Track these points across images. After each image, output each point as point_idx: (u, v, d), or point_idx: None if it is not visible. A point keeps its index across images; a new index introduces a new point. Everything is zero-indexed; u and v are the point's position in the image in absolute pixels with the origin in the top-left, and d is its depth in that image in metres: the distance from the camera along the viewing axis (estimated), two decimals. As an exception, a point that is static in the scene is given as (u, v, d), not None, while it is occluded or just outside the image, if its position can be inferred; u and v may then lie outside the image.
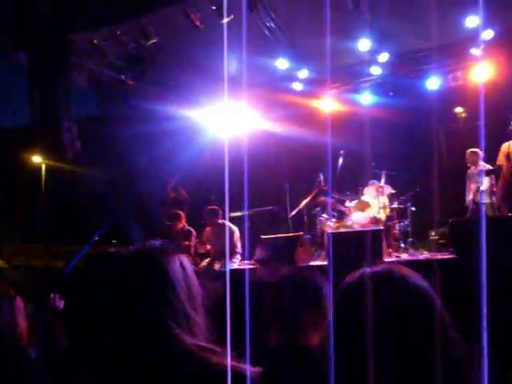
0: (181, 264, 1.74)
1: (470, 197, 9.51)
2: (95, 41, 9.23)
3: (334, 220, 9.72)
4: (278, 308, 2.33)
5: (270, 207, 11.22)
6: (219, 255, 9.03)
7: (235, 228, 9.25)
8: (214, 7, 8.24)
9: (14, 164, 12.23)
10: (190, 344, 1.62)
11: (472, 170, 9.60)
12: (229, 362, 1.55)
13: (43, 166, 12.23)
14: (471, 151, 9.55)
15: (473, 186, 9.50)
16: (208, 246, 9.38)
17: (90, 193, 11.34)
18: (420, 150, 10.72)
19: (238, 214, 10.14)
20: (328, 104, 11.30)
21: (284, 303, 2.33)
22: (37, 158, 12.19)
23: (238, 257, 9.25)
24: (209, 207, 9.65)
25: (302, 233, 8.90)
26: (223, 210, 9.39)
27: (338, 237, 8.03)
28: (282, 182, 11.44)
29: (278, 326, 2.31)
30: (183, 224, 9.74)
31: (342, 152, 9.79)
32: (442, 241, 9.29)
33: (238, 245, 9.26)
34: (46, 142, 9.47)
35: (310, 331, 2.19)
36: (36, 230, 11.51)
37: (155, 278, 1.68)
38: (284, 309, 2.31)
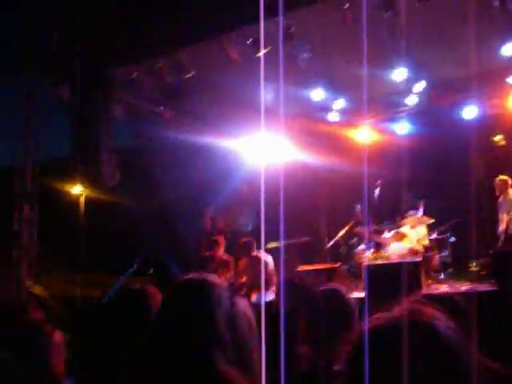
0: (229, 298, 1.76)
1: (501, 227, 9.28)
2: (134, 74, 9.41)
3: (371, 251, 9.71)
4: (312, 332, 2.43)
5: (307, 238, 11.14)
6: (255, 287, 9.01)
7: (270, 260, 9.21)
8: (250, 40, 8.33)
9: (55, 194, 12.47)
10: (229, 375, 1.62)
11: (501, 199, 9.40)
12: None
13: (82, 197, 12.46)
14: (500, 179, 9.40)
15: (503, 216, 9.28)
16: (243, 278, 9.42)
17: (128, 223, 11.59)
18: (458, 179, 10.51)
19: (274, 244, 9.89)
20: (364, 134, 11.30)
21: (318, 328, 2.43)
22: (77, 189, 12.42)
23: (274, 288, 9.01)
24: (243, 239, 9.66)
25: (339, 263, 8.96)
26: (258, 242, 9.34)
27: (374, 268, 7.98)
28: (319, 213, 11.49)
29: (312, 350, 2.36)
30: (222, 252, 9.77)
31: (378, 182, 9.74)
32: (483, 272, 9.12)
33: (274, 277, 9.10)
34: (85, 173, 9.64)
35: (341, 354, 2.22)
36: (75, 259, 11.63)
37: (202, 306, 1.70)
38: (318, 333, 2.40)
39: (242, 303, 1.79)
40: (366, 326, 1.24)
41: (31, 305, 3.05)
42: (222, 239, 9.91)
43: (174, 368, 1.62)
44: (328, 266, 9.02)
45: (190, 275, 1.84)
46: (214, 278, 1.83)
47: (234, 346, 1.67)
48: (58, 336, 2.78)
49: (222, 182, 11.38)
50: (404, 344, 1.11)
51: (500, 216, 9.35)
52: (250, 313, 1.79)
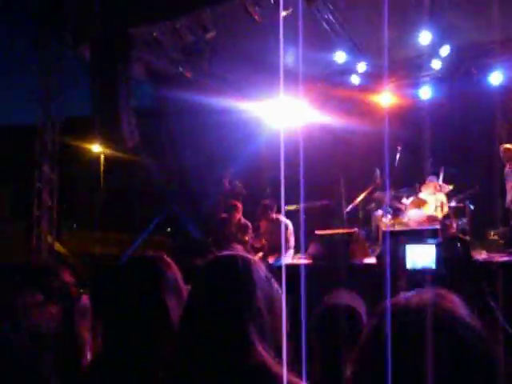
0: (266, 276, 1.76)
1: (509, 197, 9.08)
2: (155, 34, 9.32)
3: (389, 217, 9.62)
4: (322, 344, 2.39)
5: (325, 201, 11.17)
6: (273, 250, 9.06)
7: (289, 222, 9.23)
8: (273, 1, 8.19)
9: (75, 153, 12.57)
10: (265, 357, 1.60)
11: (507, 168, 9.18)
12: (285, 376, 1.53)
13: (102, 156, 12.56)
14: (505, 148, 9.09)
15: (510, 186, 9.07)
16: (263, 241, 9.42)
17: (147, 184, 11.70)
18: (481, 146, 10.47)
19: (293, 207, 10.12)
20: (386, 98, 11.13)
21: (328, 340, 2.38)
22: (96, 148, 12.50)
23: (291, 251, 9.24)
24: (262, 202, 9.68)
25: (356, 229, 8.85)
26: (278, 204, 9.40)
27: (393, 234, 7.94)
28: (338, 177, 11.47)
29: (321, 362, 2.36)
30: (240, 216, 9.76)
31: (399, 148, 9.65)
32: (501, 241, 9.05)
33: (291, 239, 9.24)
34: (105, 133, 9.58)
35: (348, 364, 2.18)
36: (94, 217, 11.78)
37: (238, 283, 1.69)
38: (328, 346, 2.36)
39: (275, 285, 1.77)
40: (388, 304, 1.22)
41: (61, 267, 3.01)
42: (239, 203, 9.93)
43: (210, 351, 1.61)
44: (345, 230, 8.90)
45: (224, 253, 1.82)
46: (248, 255, 1.82)
47: (271, 328, 1.66)
48: (86, 300, 2.79)
49: (242, 145, 11.35)
50: (427, 331, 1.07)
51: (508, 186, 9.12)
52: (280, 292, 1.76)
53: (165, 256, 2.21)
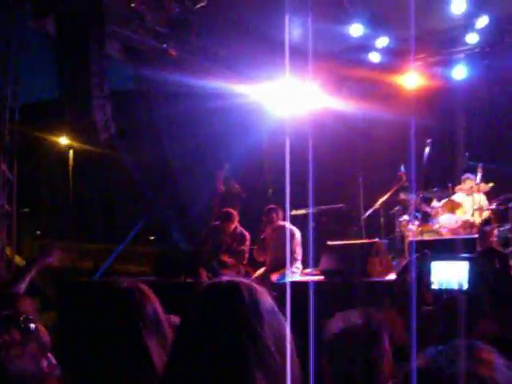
0: (274, 309, 1.76)
1: None
2: (133, 4, 9.27)
3: (416, 223, 9.64)
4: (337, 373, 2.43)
5: (339, 205, 11.17)
6: (277, 264, 9.03)
7: (296, 230, 9.21)
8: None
9: (39, 147, 12.50)
10: None
11: None
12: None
13: (71, 151, 12.49)
14: None
15: None
16: (264, 255, 9.45)
17: (126, 184, 11.63)
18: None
19: (301, 212, 10.16)
20: (412, 79, 11.11)
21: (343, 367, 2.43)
22: (64, 141, 12.43)
23: (299, 265, 9.22)
24: (267, 207, 9.65)
25: (377, 239, 8.84)
26: (283, 210, 9.34)
27: (421, 245, 7.92)
28: (355, 175, 11.37)
29: None
30: (235, 225, 9.72)
31: (428, 140, 9.61)
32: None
33: (298, 250, 9.22)
34: (75, 122, 9.65)
35: None
36: (62, 224, 11.73)
37: (243, 318, 1.68)
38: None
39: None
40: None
41: (20, 296, 3.05)
42: (235, 209, 9.93)
43: None
44: (364, 241, 8.93)
45: (221, 279, 1.81)
46: (252, 282, 1.80)
47: (280, 372, 1.65)
48: (44, 334, 2.83)
49: (239, 136, 11.32)
50: None
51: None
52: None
53: (142, 286, 2.24)
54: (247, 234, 9.65)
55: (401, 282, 7.25)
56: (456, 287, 6.99)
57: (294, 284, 8.02)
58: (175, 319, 2.37)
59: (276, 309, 1.77)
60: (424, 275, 6.93)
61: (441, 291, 6.93)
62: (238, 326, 1.66)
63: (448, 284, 7.04)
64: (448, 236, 9.05)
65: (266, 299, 1.76)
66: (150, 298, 2.20)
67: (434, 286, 7.02)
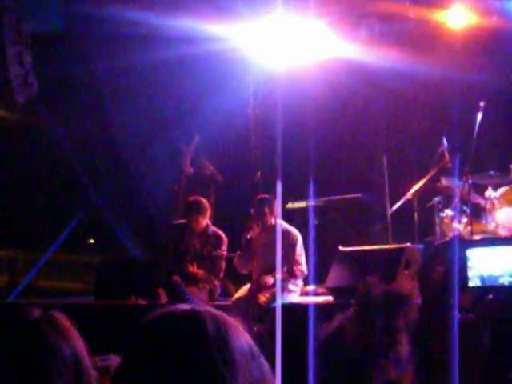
0: (251, 350, 1.79)
1: None
2: None
3: (464, 220, 9.52)
4: None
5: (356, 195, 10.96)
6: (266, 278, 8.90)
7: (296, 232, 9.05)
8: None
9: None
10: None
11: None
12: None
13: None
14: None
15: None
16: (252, 264, 9.36)
17: (54, 163, 11.68)
18: None
19: (301, 204, 10.17)
20: (459, 16, 10.73)
21: None
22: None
23: (299, 281, 9.09)
24: (257, 198, 9.51)
25: (409, 244, 8.74)
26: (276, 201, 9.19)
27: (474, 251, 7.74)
28: (378, 154, 11.19)
29: None
30: (207, 223, 9.51)
31: (482, 103, 9.38)
32: None
33: (302, 260, 9.05)
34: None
35: None
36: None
37: (207, 364, 1.69)
38: None
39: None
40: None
41: None
42: (207, 201, 9.67)
43: None
44: (391, 245, 8.92)
45: (176, 308, 1.82)
46: (220, 313, 1.83)
47: None
48: None
49: (214, 97, 11.14)
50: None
51: None
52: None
53: (58, 317, 2.23)
54: (224, 236, 9.46)
55: (425, 278, 7.26)
56: (506, 283, 7.17)
57: (290, 308, 8.21)
58: (113, 361, 2.57)
59: (255, 350, 1.79)
60: (458, 267, 6.93)
61: (483, 290, 7.10)
62: (200, 377, 1.68)
63: (493, 279, 7.18)
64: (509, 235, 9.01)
65: (241, 337, 1.78)
66: (69, 334, 2.21)
67: (473, 283, 7.16)
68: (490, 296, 6.80)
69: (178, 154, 11.32)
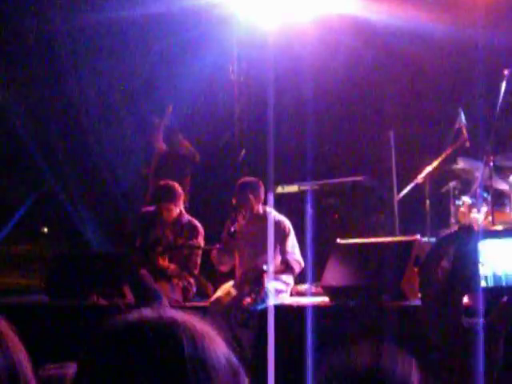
0: (228, 360, 1.81)
1: None
2: None
3: (484, 209, 9.55)
4: None
5: (357, 178, 11.02)
6: (256, 277, 8.88)
7: (288, 222, 9.10)
8: None
9: None
10: None
11: None
12: None
13: None
14: None
15: None
16: (236, 259, 9.40)
17: None
18: None
19: (292, 188, 10.09)
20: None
21: None
22: None
23: (290, 280, 9.14)
24: (240, 180, 9.51)
25: (418, 236, 8.75)
26: (264, 184, 9.22)
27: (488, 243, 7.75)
28: (384, 131, 11.06)
29: None
30: (180, 210, 9.47)
31: (507, 71, 9.33)
32: None
33: (297, 251, 9.11)
34: None
35: None
36: None
37: (174, 379, 1.71)
38: None
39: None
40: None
41: None
42: (182, 184, 9.65)
43: None
44: (398, 238, 9.03)
45: (142, 313, 1.82)
46: (196, 321, 1.83)
47: None
48: None
49: (191, 62, 11.11)
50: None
51: None
52: None
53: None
54: (199, 226, 9.43)
55: (427, 276, 7.35)
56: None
57: (281, 310, 8.21)
58: (70, 369, 2.52)
59: (236, 366, 1.81)
60: (467, 263, 7.02)
61: (497, 291, 7.13)
62: None
63: (509, 279, 7.23)
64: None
65: (220, 353, 1.79)
66: (6, 343, 2.11)
67: (485, 283, 7.13)
68: (505, 298, 6.81)
69: (149, 129, 11.28)
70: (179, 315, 1.79)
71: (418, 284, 7.49)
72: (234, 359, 1.81)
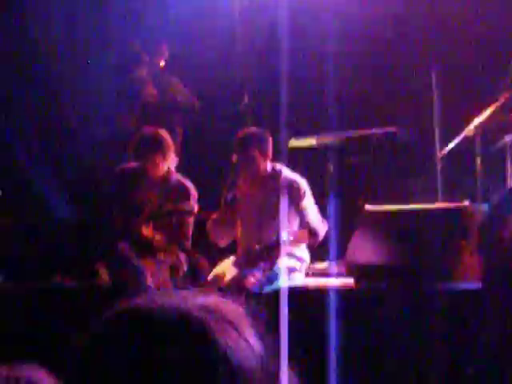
0: (246, 341, 1.72)
1: None
2: None
3: None
4: None
5: (390, 129, 11.08)
6: (262, 251, 8.90)
7: (304, 183, 9.05)
8: None
9: None
10: None
11: None
12: None
13: None
14: None
15: None
16: (238, 230, 9.43)
17: None
18: None
19: (309, 142, 10.25)
20: None
21: None
22: None
23: (306, 255, 9.09)
24: (240, 132, 9.40)
25: (467, 202, 8.73)
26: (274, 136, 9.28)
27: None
28: (422, 68, 11.12)
29: None
30: (169, 167, 9.46)
31: None
32: None
33: (318, 215, 9.15)
34: None
35: None
36: None
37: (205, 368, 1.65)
38: None
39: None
40: None
41: None
42: (170, 136, 9.64)
43: None
44: (443, 205, 9.17)
45: (135, 302, 1.75)
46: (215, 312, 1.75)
47: None
48: None
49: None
50: None
51: None
52: None
53: None
54: (192, 187, 9.36)
55: (487, 251, 7.66)
56: None
57: (294, 294, 8.05)
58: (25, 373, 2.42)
59: (264, 357, 1.73)
60: None
61: None
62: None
63: None
64: None
65: (252, 347, 1.74)
66: None
67: None
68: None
69: (135, 68, 11.28)
70: (211, 301, 1.73)
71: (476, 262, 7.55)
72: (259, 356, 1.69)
